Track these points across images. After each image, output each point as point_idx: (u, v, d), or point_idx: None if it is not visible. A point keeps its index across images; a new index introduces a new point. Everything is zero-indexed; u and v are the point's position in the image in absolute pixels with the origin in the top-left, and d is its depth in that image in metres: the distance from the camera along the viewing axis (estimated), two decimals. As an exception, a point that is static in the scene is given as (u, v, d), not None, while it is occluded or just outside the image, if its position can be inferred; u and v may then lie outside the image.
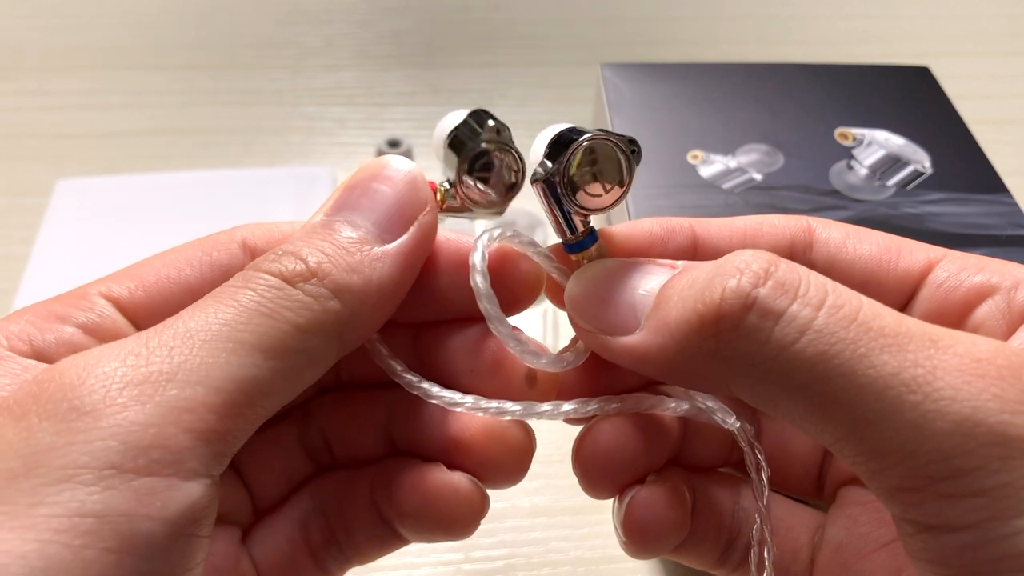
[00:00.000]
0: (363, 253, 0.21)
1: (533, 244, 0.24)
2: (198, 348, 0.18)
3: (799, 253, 0.24)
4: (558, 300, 0.24)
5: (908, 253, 0.24)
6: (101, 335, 0.21)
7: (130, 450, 0.16)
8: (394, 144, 0.61)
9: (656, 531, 0.24)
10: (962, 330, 0.19)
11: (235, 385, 0.18)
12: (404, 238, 0.21)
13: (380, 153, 0.61)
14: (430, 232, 0.22)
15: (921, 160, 0.46)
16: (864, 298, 0.19)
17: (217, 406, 0.18)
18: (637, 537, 0.24)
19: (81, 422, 0.16)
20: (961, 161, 0.46)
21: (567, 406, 0.24)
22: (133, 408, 0.17)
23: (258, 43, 0.77)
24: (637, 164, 0.23)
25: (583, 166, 0.22)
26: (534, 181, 0.23)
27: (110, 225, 0.57)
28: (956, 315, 0.22)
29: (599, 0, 0.84)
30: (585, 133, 0.22)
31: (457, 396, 0.23)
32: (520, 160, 0.23)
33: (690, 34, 0.80)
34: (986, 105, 0.66)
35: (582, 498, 0.46)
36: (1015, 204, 0.43)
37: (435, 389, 0.23)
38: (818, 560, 0.25)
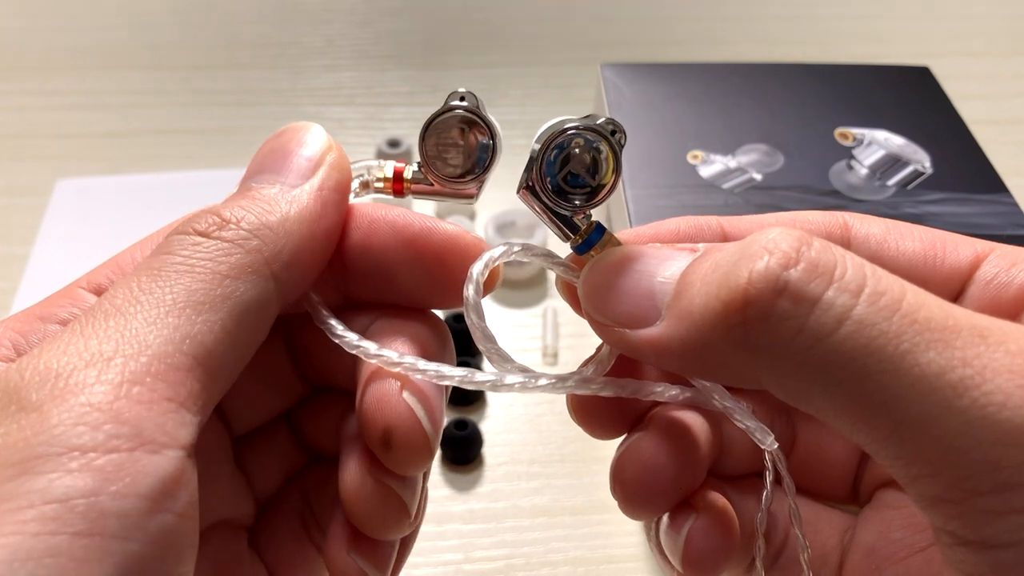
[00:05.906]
0: (278, 197, 0.21)
1: (549, 255, 0.23)
2: (129, 321, 0.18)
3: None
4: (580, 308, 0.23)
5: (954, 248, 0.22)
6: None
7: (88, 431, 0.16)
8: (394, 144, 0.61)
9: (716, 561, 0.23)
10: None
11: (175, 347, 0.17)
12: (315, 177, 0.22)
13: (380, 153, 0.61)
14: (341, 168, 0.22)
15: (921, 160, 0.46)
16: (908, 285, 0.18)
17: (163, 373, 0.17)
18: (696, 568, 0.23)
19: (30, 419, 0.16)
20: (961, 161, 0.46)
21: (512, 378, 0.21)
22: (82, 393, 0.16)
23: (258, 43, 0.77)
24: (621, 147, 0.21)
25: (559, 164, 0.21)
26: (518, 191, 0.22)
27: (110, 225, 0.57)
28: (1007, 315, 0.21)
29: (599, 0, 0.84)
30: (566, 126, 0.21)
31: (395, 355, 0.21)
32: (491, 130, 0.22)
33: (690, 34, 0.80)
34: (986, 105, 0.66)
35: (582, 498, 0.47)
36: (1015, 204, 0.43)
37: (372, 348, 0.21)
38: (847, 563, 0.24)
